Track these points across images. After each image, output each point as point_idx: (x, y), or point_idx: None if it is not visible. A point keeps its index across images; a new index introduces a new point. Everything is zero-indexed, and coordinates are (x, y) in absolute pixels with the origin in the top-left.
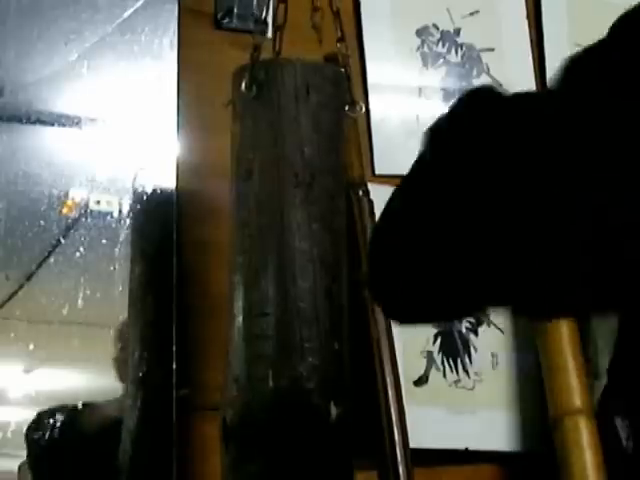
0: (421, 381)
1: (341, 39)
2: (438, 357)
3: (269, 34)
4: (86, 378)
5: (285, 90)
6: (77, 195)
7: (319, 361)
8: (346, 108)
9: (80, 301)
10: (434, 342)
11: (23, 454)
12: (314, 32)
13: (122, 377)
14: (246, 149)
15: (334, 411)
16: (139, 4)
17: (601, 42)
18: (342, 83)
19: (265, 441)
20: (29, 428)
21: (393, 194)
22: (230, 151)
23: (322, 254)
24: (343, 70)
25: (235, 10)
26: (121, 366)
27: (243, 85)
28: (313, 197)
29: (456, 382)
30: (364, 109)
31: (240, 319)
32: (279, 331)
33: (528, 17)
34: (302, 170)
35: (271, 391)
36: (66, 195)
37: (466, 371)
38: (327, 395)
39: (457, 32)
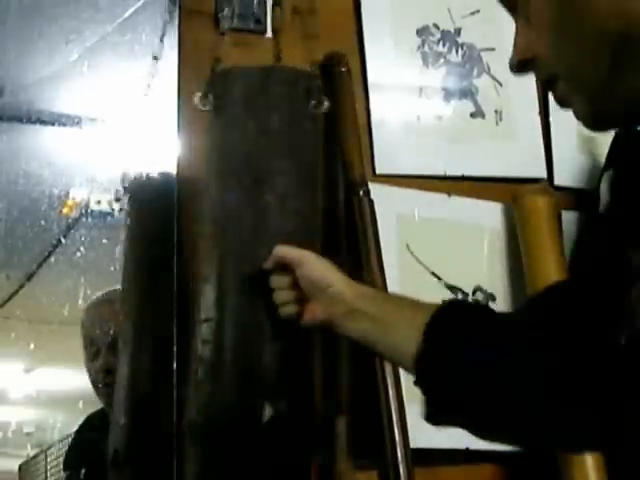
0: None
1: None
2: None
3: (268, 34)
4: (86, 378)
5: (233, 97)
6: (77, 195)
7: (256, 364)
8: (311, 105)
9: (80, 301)
10: None
11: (23, 453)
12: (310, 32)
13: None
14: (205, 158)
15: (268, 412)
16: (139, 4)
17: None
18: (298, 84)
19: (201, 441)
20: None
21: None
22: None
23: (266, 258)
24: (300, 71)
25: (235, 10)
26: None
27: (196, 99)
28: (261, 200)
29: None
30: (327, 106)
31: (194, 324)
32: (218, 336)
33: None
34: (247, 174)
35: (208, 393)
36: (66, 195)
37: None
38: (262, 396)
39: (458, 32)
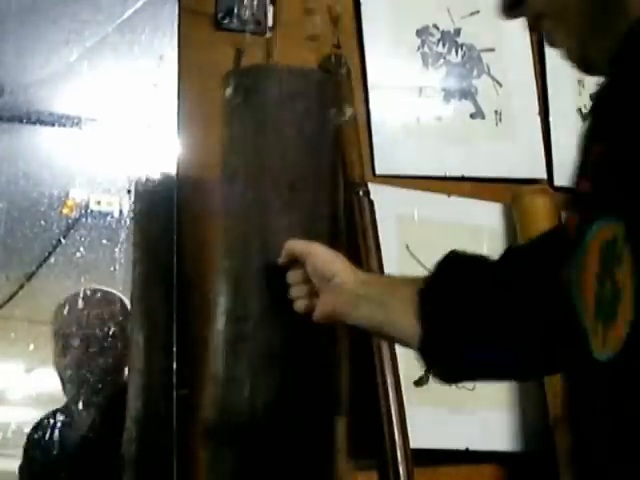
0: (421, 381)
1: (337, 46)
2: None
3: (268, 34)
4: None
5: (269, 96)
6: (77, 195)
7: (295, 363)
8: (333, 112)
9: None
10: None
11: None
12: (309, 33)
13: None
14: (231, 154)
15: (310, 411)
16: (139, 4)
17: None
18: (329, 89)
19: (240, 441)
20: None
21: None
22: (220, 154)
23: None
24: (332, 75)
25: (235, 10)
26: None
27: (228, 91)
28: (294, 203)
29: None
30: (351, 113)
31: (222, 322)
32: (257, 334)
33: None
34: (283, 176)
35: (247, 393)
36: (66, 195)
37: None
38: (303, 396)
39: (457, 32)
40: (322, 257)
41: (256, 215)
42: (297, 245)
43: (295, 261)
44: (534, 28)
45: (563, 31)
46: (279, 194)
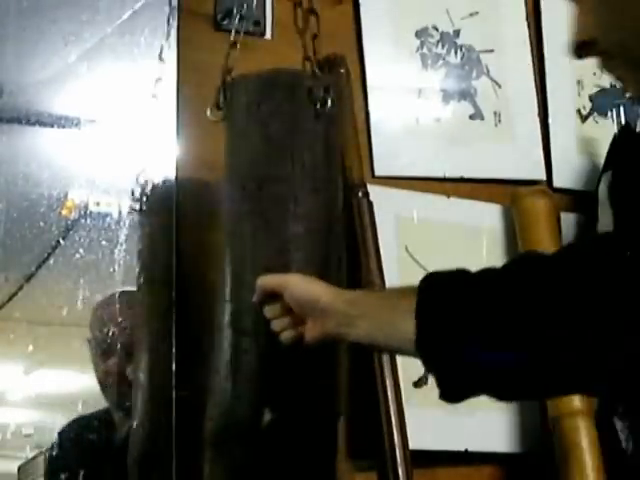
0: (420, 382)
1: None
2: None
3: (268, 35)
4: (85, 379)
5: (237, 106)
6: (77, 196)
7: (257, 372)
8: (317, 106)
9: (80, 303)
10: None
11: (23, 455)
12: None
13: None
14: (222, 166)
15: (267, 417)
16: (139, 5)
17: None
18: (299, 86)
19: (213, 447)
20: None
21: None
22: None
23: (266, 263)
24: (303, 74)
25: (234, 11)
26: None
27: (208, 112)
28: (261, 206)
29: None
30: (331, 104)
31: (215, 332)
32: (225, 343)
33: (527, 18)
34: (249, 180)
35: (228, 401)
36: (66, 196)
37: None
38: (260, 403)
39: (457, 33)
40: (300, 285)
41: (226, 222)
42: (271, 280)
43: (269, 296)
44: (604, 67)
45: (625, 66)
46: (245, 198)
